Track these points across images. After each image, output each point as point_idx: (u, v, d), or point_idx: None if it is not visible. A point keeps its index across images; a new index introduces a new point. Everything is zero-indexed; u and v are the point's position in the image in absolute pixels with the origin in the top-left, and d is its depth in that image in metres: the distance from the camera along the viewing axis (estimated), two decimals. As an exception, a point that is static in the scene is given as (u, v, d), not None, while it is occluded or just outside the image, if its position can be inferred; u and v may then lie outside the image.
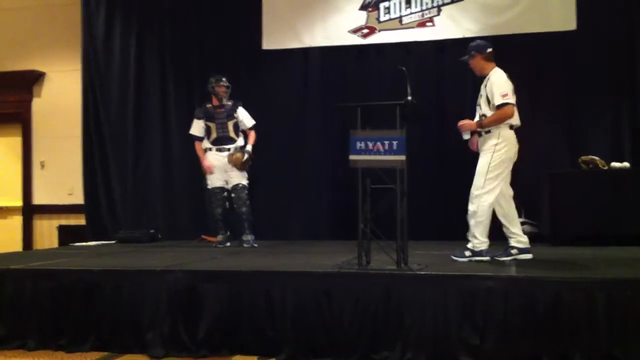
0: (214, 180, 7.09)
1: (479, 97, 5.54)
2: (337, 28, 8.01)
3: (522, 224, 7.00)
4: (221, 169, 7.04)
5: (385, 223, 4.72)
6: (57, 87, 9.10)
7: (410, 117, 4.77)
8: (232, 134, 7.03)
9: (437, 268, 4.65)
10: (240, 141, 7.05)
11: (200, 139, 7.14)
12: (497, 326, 4.09)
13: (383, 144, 4.52)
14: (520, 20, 7.49)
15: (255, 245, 6.91)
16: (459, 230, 7.34)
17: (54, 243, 8.81)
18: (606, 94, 7.35)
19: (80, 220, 8.70)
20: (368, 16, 7.91)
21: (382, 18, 7.87)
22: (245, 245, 6.92)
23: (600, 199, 6.57)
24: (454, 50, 7.75)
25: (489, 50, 5.55)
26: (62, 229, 8.89)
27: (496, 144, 5.35)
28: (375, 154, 4.54)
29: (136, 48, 8.56)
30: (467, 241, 5.35)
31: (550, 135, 7.42)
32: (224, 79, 7.09)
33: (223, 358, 4.45)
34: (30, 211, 9.12)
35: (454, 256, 5.32)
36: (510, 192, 5.48)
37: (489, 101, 5.38)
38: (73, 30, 8.77)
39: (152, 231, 7.95)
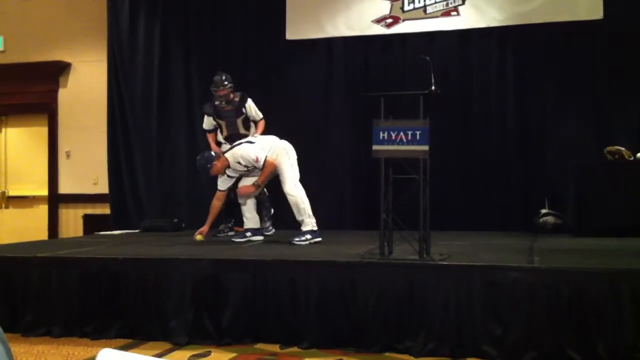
0: (226, 183, 7.04)
1: None
2: (361, 18, 7.98)
3: (546, 214, 6.99)
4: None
5: (408, 213, 4.71)
6: (83, 78, 9.18)
7: (433, 107, 4.76)
8: (242, 130, 6.93)
9: (460, 258, 4.63)
10: (251, 134, 6.88)
11: (213, 131, 7.10)
12: (521, 317, 4.07)
13: (406, 134, 4.51)
14: (546, 9, 7.40)
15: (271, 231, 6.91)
16: (482, 220, 7.38)
17: (79, 232, 8.91)
18: (632, 84, 7.25)
19: (105, 210, 8.79)
20: (392, 5, 7.87)
21: (406, 7, 7.82)
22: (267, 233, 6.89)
23: (626, 189, 6.49)
24: (478, 40, 7.73)
25: None
26: (87, 218, 8.98)
27: None
28: (398, 144, 4.52)
29: (160, 39, 8.60)
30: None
31: (576, 125, 7.34)
32: (222, 82, 6.74)
33: (246, 346, 4.48)
34: (56, 200, 9.22)
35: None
36: None
37: None
38: (98, 21, 8.84)
39: (176, 220, 8.00)
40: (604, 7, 7.21)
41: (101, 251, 5.57)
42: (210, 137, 7.12)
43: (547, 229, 6.91)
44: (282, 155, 6.23)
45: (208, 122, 7.07)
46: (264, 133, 6.76)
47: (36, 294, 4.95)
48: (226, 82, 6.77)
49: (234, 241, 6.36)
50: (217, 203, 6.49)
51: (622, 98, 7.26)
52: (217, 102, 6.83)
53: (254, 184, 6.27)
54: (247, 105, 6.86)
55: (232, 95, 6.83)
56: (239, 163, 6.23)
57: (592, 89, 7.37)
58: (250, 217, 6.55)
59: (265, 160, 6.17)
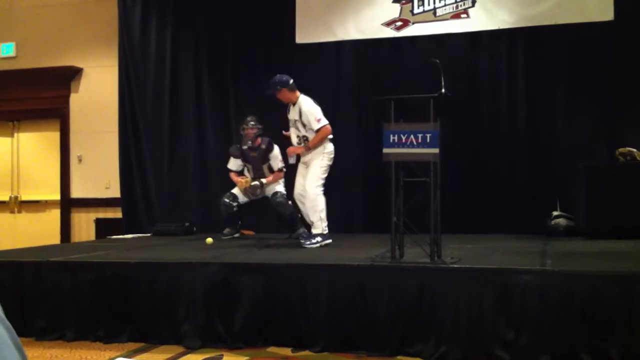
0: (239, 196, 7.20)
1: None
2: (371, 21, 7.98)
3: (557, 216, 6.97)
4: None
5: (418, 216, 4.71)
6: (95, 83, 9.22)
7: (444, 110, 4.75)
8: (267, 174, 7.18)
9: (471, 261, 4.63)
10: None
11: (237, 172, 7.28)
12: (533, 321, 4.06)
13: (416, 137, 4.51)
14: (556, 11, 7.38)
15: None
16: (493, 222, 7.36)
17: (92, 236, 8.95)
18: (644, 85, 7.22)
19: (117, 214, 8.82)
20: (402, 8, 7.87)
21: (415, 10, 7.82)
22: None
23: (638, 191, 6.46)
24: (488, 42, 7.71)
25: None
26: (99, 222, 9.02)
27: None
28: (408, 147, 4.53)
29: (171, 44, 8.63)
30: None
31: (587, 127, 7.32)
32: (252, 121, 7.12)
33: (258, 349, 4.49)
34: (68, 204, 9.26)
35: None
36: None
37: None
38: (110, 26, 8.88)
39: (187, 224, 8.02)
40: (614, 9, 7.18)
41: (113, 255, 5.60)
42: (233, 176, 7.27)
43: (559, 231, 6.88)
44: (326, 150, 6.35)
45: (235, 164, 7.30)
46: None
47: (49, 298, 4.98)
48: (253, 122, 7.11)
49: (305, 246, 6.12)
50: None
51: (633, 99, 7.23)
52: (244, 147, 7.12)
53: (304, 145, 6.35)
54: (271, 155, 7.11)
55: (259, 140, 7.10)
56: (301, 122, 6.34)
57: (602, 91, 7.34)
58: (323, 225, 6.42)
59: (323, 126, 6.27)
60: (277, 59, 8.22)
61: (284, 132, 6.67)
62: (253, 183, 7.06)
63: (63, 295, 4.95)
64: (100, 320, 4.84)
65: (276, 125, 6.90)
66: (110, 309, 4.84)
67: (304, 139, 6.36)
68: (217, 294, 4.66)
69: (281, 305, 4.56)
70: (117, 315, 4.82)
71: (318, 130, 6.25)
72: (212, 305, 4.65)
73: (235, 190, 7.23)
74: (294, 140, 6.48)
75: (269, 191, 7.11)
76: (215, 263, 4.85)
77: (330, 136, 6.35)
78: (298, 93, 6.43)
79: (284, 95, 6.44)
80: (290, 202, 6.94)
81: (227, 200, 7.15)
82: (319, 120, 6.28)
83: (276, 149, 7.09)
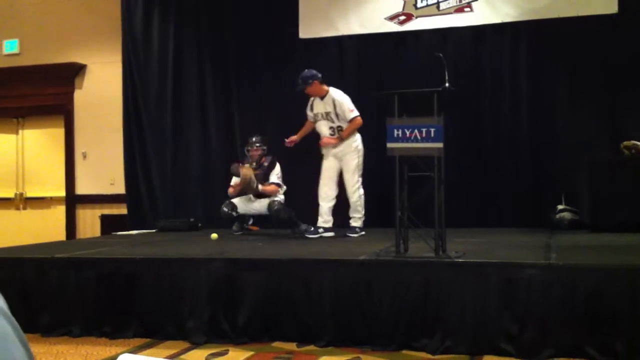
0: (237, 205, 7.15)
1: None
2: (373, 15, 7.97)
3: (562, 210, 6.96)
4: (246, 201, 7.15)
5: (423, 211, 4.70)
6: (98, 79, 9.23)
7: (448, 104, 4.75)
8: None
9: (476, 255, 4.63)
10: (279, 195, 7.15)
11: None
12: (537, 315, 4.06)
13: (420, 132, 4.50)
14: (560, 4, 7.36)
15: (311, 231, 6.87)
16: (497, 217, 7.36)
17: (97, 232, 8.97)
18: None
19: (122, 210, 8.84)
20: (405, 2, 7.84)
21: (419, 4, 7.80)
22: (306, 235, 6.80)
23: (643, 185, 6.45)
24: (492, 36, 7.70)
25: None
26: (104, 218, 9.04)
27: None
28: (412, 141, 4.52)
29: (174, 39, 8.63)
30: None
31: (591, 121, 7.30)
32: (257, 142, 7.14)
33: (263, 344, 4.50)
34: (73, 201, 9.28)
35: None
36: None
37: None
38: (113, 22, 8.87)
39: (192, 220, 8.04)
40: (618, 1, 7.15)
41: (118, 252, 5.61)
42: (232, 189, 7.20)
43: (563, 225, 6.87)
44: (357, 146, 6.65)
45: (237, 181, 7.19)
46: None
47: (55, 295, 4.99)
48: (258, 144, 7.14)
49: (307, 237, 6.54)
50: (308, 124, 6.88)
51: (637, 93, 7.20)
52: (247, 165, 7.06)
53: (337, 137, 6.55)
54: (272, 173, 7.08)
55: (263, 159, 7.11)
56: (335, 113, 6.55)
57: (606, 85, 7.32)
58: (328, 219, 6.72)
59: (356, 116, 6.54)
60: (281, 53, 8.22)
61: (286, 140, 6.74)
62: (252, 174, 6.98)
63: (69, 292, 4.96)
64: (106, 316, 4.85)
65: (285, 120, 6.91)
66: (115, 305, 4.85)
67: (339, 129, 6.56)
68: (221, 290, 4.67)
69: (286, 300, 4.56)
70: (123, 311, 4.83)
71: (351, 120, 6.48)
72: (217, 300, 4.65)
73: (235, 200, 7.18)
74: (326, 132, 6.65)
75: (266, 201, 7.05)
76: (220, 259, 4.85)
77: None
78: (326, 86, 6.60)
79: (315, 88, 6.56)
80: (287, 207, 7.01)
81: (225, 210, 7.10)
82: (352, 111, 6.52)
83: (277, 167, 7.11)
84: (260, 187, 7.01)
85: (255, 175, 7.03)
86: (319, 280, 4.52)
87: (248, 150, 7.22)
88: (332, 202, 6.70)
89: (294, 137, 6.89)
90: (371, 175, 7.81)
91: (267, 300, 4.60)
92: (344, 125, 6.56)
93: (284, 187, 7.16)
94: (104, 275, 4.91)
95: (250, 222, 7.46)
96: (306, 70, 6.61)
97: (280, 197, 7.13)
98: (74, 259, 5.14)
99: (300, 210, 7.12)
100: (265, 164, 7.11)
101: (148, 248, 6.03)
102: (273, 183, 7.09)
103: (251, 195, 7.08)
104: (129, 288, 4.85)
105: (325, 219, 6.68)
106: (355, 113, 6.54)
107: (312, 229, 6.63)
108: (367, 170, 7.86)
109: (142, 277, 4.85)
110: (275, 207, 6.96)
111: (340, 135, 6.53)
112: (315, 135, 6.90)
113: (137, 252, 5.52)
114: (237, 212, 7.13)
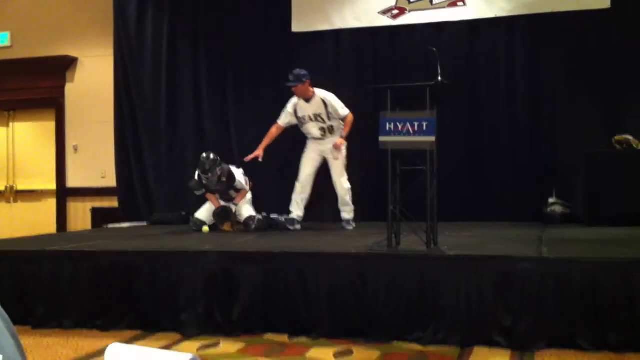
0: (201, 213, 7.02)
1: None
2: (367, 9, 7.94)
3: (554, 204, 6.97)
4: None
5: (416, 205, 4.70)
6: (90, 72, 9.19)
7: (440, 98, 4.75)
8: (234, 196, 7.01)
9: (468, 249, 4.64)
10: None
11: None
12: (531, 308, 4.07)
13: (413, 125, 4.50)
14: (553, -1, 7.36)
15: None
16: (491, 211, 7.36)
17: (88, 225, 8.95)
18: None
19: (113, 203, 8.82)
20: (398, -4, 7.83)
21: (412, -2, 7.78)
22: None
23: (635, 178, 6.47)
24: (486, 30, 7.68)
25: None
26: (95, 211, 9.02)
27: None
28: (405, 135, 4.52)
29: (168, 32, 8.57)
30: None
31: (586, 115, 7.30)
32: (210, 171, 6.65)
33: (255, 336, 4.49)
34: (64, 194, 9.25)
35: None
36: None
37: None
38: (105, 15, 8.82)
39: (184, 213, 8.01)
40: (611, -4, 7.16)
41: (111, 244, 5.59)
42: (209, 197, 7.04)
43: (555, 218, 6.88)
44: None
45: (200, 194, 7.04)
46: None
47: (47, 288, 4.97)
48: (212, 172, 6.67)
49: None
50: (275, 131, 6.81)
51: (632, 87, 7.22)
52: (205, 182, 6.83)
53: (341, 136, 6.65)
54: (236, 183, 6.86)
55: (220, 176, 6.73)
56: (326, 113, 6.63)
57: (600, 78, 7.32)
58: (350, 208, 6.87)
59: (349, 113, 6.62)
60: (275, 47, 8.20)
61: (245, 159, 6.74)
62: (229, 223, 6.89)
63: (61, 285, 4.94)
64: (98, 309, 4.83)
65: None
66: (108, 297, 4.83)
67: (330, 129, 6.68)
68: (216, 283, 4.66)
69: (280, 293, 4.56)
70: (115, 304, 4.81)
71: (346, 117, 6.59)
72: (211, 294, 4.64)
73: (201, 214, 7.01)
74: (316, 133, 6.72)
75: (241, 217, 6.94)
76: (214, 252, 4.85)
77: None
78: (311, 88, 6.66)
79: (303, 88, 6.60)
80: (259, 216, 6.97)
81: (194, 228, 6.92)
82: (344, 108, 6.64)
83: (237, 175, 6.85)
84: (236, 202, 6.94)
85: (218, 190, 6.90)
86: (312, 273, 4.51)
87: (207, 179, 6.75)
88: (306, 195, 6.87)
89: (258, 152, 6.69)
90: (364, 169, 7.82)
91: (261, 293, 4.59)
92: (335, 124, 6.65)
93: (250, 185, 7.05)
94: (97, 268, 4.89)
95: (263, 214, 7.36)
96: (297, 69, 6.66)
97: (248, 197, 7.04)
98: (66, 252, 5.12)
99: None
100: (224, 178, 6.76)
101: (141, 241, 6.01)
102: (242, 190, 6.95)
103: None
104: (122, 281, 4.83)
105: (298, 213, 6.84)
106: (347, 109, 6.63)
107: (291, 219, 6.79)
108: (360, 163, 7.88)
109: (136, 270, 4.83)
110: (254, 227, 6.80)
111: (344, 136, 6.65)
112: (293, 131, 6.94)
113: (129, 245, 5.50)
114: (206, 225, 6.91)
